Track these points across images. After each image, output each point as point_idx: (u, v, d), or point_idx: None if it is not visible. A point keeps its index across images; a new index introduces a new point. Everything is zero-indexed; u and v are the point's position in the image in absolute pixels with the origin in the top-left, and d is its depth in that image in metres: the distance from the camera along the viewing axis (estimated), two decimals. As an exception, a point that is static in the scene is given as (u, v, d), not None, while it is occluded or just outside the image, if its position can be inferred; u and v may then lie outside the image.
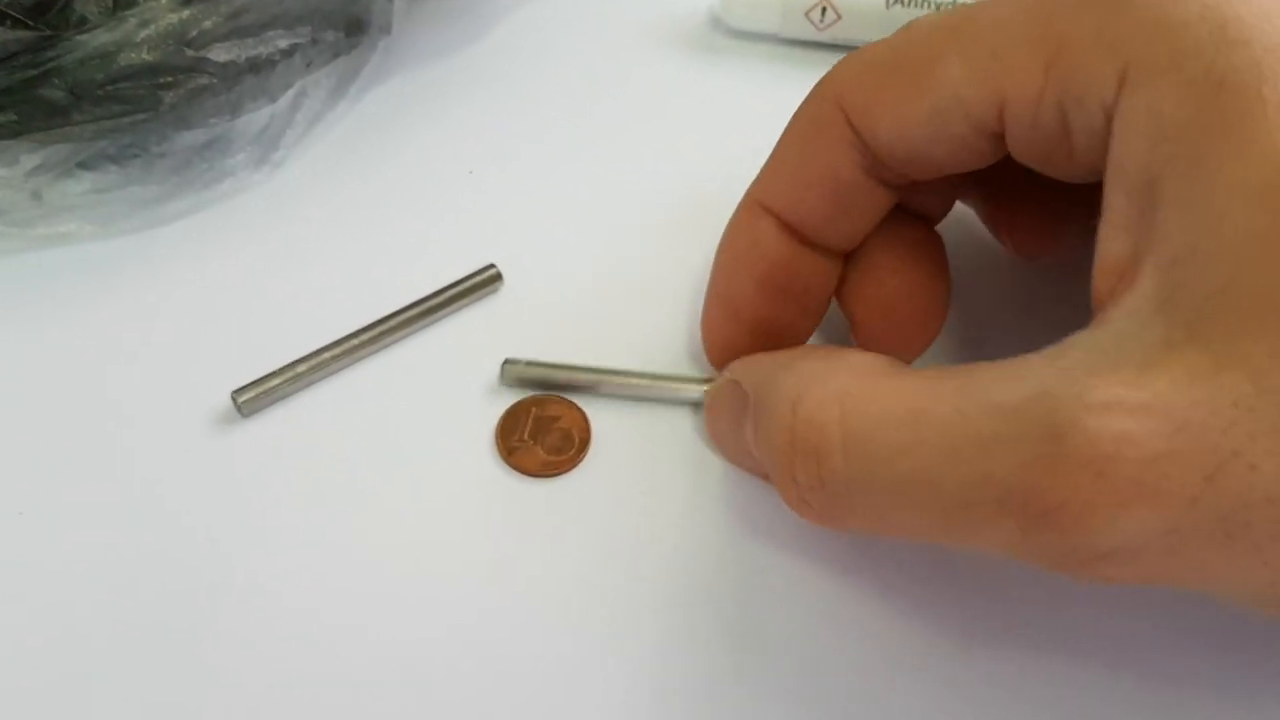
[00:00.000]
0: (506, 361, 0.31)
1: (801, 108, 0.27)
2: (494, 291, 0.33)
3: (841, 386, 0.23)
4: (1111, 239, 0.22)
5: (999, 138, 0.24)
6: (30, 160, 0.31)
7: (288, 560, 0.28)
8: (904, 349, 0.29)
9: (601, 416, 0.30)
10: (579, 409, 0.31)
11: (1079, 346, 0.21)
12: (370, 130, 0.37)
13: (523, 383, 0.31)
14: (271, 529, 0.28)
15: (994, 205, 0.30)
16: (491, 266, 0.33)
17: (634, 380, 0.31)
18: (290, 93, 0.34)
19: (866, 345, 0.29)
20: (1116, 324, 0.20)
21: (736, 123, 0.37)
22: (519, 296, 0.33)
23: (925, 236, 0.29)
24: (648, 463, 0.30)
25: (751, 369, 0.27)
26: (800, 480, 0.23)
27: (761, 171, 0.29)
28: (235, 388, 0.30)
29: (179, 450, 0.30)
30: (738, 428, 0.27)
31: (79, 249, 0.33)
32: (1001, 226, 0.30)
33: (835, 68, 0.26)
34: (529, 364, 0.31)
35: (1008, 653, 0.26)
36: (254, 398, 0.30)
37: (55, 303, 0.32)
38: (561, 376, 0.31)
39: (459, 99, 0.38)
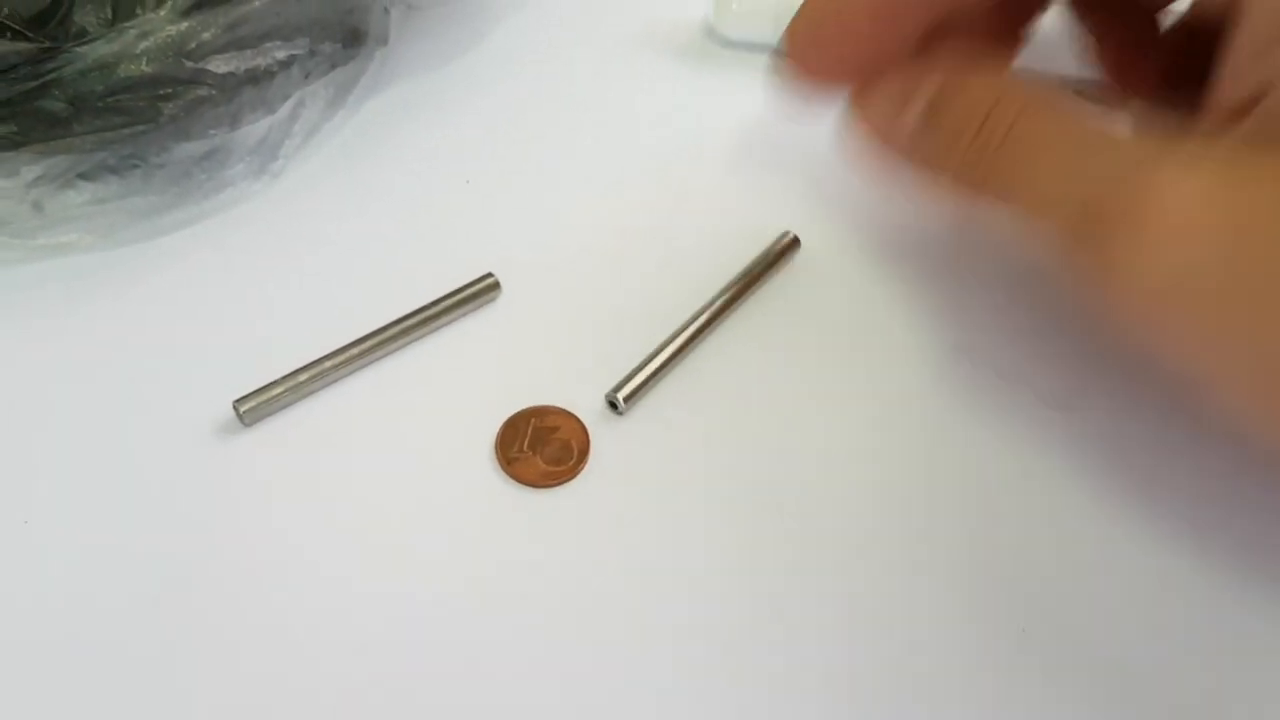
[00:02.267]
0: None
1: None
2: (492, 300, 0.33)
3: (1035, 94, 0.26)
4: (1231, 79, 0.24)
5: None
6: (31, 171, 0.30)
7: (290, 569, 0.27)
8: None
9: (600, 427, 0.30)
10: (578, 420, 0.30)
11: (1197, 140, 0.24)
12: (368, 140, 0.36)
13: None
14: (273, 538, 0.28)
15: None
16: (489, 275, 0.32)
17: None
18: (289, 103, 0.34)
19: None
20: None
21: (731, 131, 0.37)
22: (517, 305, 0.33)
23: None
24: (647, 473, 0.29)
25: (931, 73, 0.28)
26: (966, 140, 0.26)
27: None
28: (237, 397, 0.29)
29: (182, 459, 0.29)
30: (901, 104, 0.28)
31: (80, 259, 0.33)
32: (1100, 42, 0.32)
33: None
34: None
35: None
36: (255, 407, 0.29)
37: (57, 313, 0.32)
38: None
39: (455, 108, 0.37)
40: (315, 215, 0.34)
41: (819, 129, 0.35)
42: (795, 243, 0.33)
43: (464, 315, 0.32)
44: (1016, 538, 0.28)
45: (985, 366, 0.31)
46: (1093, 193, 0.23)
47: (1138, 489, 0.29)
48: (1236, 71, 0.24)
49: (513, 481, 0.29)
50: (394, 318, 0.31)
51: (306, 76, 0.33)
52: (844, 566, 0.27)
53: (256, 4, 0.31)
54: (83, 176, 0.32)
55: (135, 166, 0.32)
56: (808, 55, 0.30)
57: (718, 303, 0.32)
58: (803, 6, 0.29)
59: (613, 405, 0.30)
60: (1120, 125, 0.25)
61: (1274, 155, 0.21)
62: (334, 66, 0.34)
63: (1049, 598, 0.27)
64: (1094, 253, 0.23)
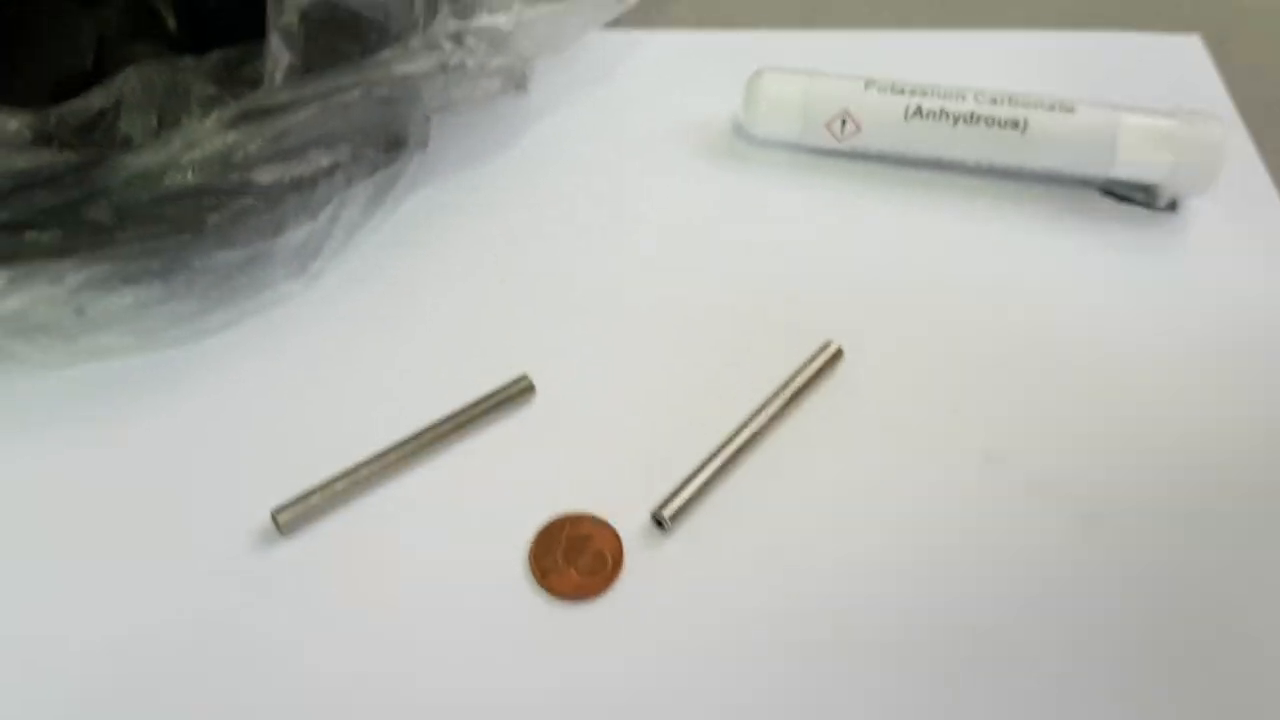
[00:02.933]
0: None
1: None
2: (527, 403, 0.33)
3: None
4: None
5: None
6: (75, 278, 0.31)
7: (326, 680, 0.27)
8: None
9: (634, 536, 0.30)
10: (611, 528, 0.30)
11: None
12: (405, 240, 0.36)
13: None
14: (309, 648, 0.28)
15: None
16: (524, 378, 0.33)
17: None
18: (329, 207, 0.34)
19: None
20: None
21: (761, 228, 0.37)
22: (552, 407, 0.33)
23: None
24: (682, 586, 0.29)
25: None
26: None
27: None
28: (275, 506, 0.29)
29: (221, 569, 0.29)
30: None
31: (122, 362, 0.33)
32: None
33: None
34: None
35: None
36: (294, 518, 0.29)
37: (97, 417, 0.32)
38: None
39: (489, 209, 0.38)
40: (353, 316, 0.34)
41: (854, 228, 0.36)
42: (839, 354, 0.34)
43: (498, 419, 0.32)
44: (1060, 653, 0.28)
45: (1025, 479, 0.31)
46: None
47: (1160, 606, 0.29)
48: None
49: (546, 593, 0.29)
50: (429, 422, 0.31)
51: (349, 181, 0.34)
52: (886, 688, 0.27)
53: (302, 115, 0.31)
54: (125, 280, 0.32)
55: (177, 271, 0.32)
56: None
57: (760, 418, 0.32)
58: None
59: (659, 523, 0.30)
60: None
61: None
62: (375, 170, 0.34)
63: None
64: None
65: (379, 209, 0.36)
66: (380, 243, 0.36)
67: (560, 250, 0.37)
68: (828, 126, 0.38)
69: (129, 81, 0.31)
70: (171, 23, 0.37)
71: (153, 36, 0.35)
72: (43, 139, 0.30)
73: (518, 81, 0.36)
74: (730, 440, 0.32)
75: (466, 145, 0.39)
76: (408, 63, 0.32)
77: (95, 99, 0.31)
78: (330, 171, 0.33)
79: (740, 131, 0.40)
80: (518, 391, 0.33)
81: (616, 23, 0.42)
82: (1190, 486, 0.31)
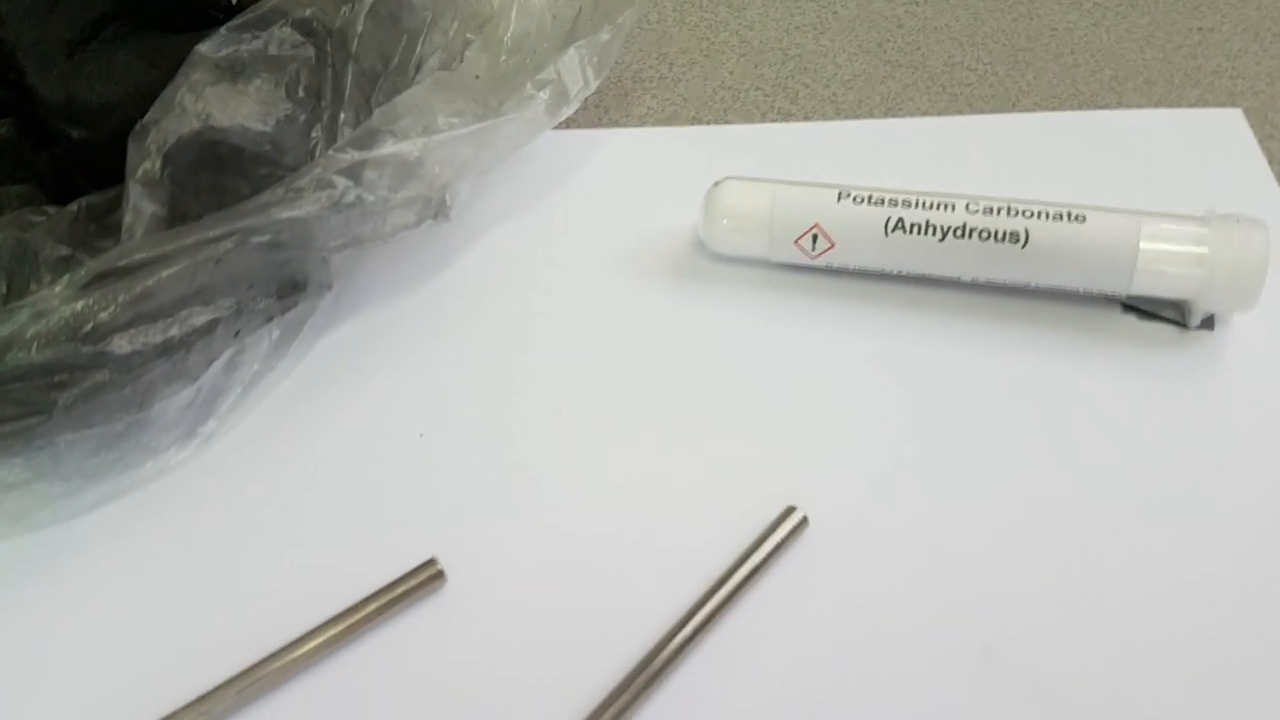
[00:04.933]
0: None
1: None
2: (437, 590, 0.28)
3: None
4: None
5: None
6: (-79, 463, 0.27)
7: None
8: None
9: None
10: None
11: None
12: (315, 388, 0.32)
13: None
14: None
15: None
16: (433, 562, 0.28)
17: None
18: (220, 362, 0.30)
19: None
20: None
21: (721, 363, 0.32)
22: (464, 593, 0.28)
23: None
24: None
25: None
26: None
27: None
28: (137, 729, 0.25)
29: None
30: None
31: (-14, 548, 0.29)
32: None
33: None
34: None
35: None
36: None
37: (-46, 614, 0.28)
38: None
39: (412, 347, 0.33)
40: (248, 485, 0.30)
41: (830, 356, 0.31)
42: (803, 523, 0.29)
43: (406, 608, 0.28)
44: None
45: (1011, 676, 0.26)
46: None
47: None
48: None
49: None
50: (328, 614, 0.27)
51: (236, 334, 0.30)
52: None
53: (165, 274, 0.27)
54: (-14, 459, 0.29)
55: (42, 448, 0.29)
56: None
57: (709, 604, 0.27)
58: None
59: None
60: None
61: None
62: (269, 319, 0.30)
63: None
64: None
65: (284, 355, 0.32)
66: (285, 394, 0.32)
67: (488, 395, 0.32)
68: (797, 243, 0.33)
69: (-27, 244, 0.28)
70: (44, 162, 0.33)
71: (24, 179, 0.31)
72: None
73: (437, 209, 0.32)
74: (674, 633, 0.27)
75: (386, 279, 0.35)
76: (293, 206, 0.28)
77: (-64, 264, 0.28)
78: (208, 330, 0.29)
79: (701, 248, 0.36)
80: (427, 579, 0.28)
81: (571, 121, 0.38)
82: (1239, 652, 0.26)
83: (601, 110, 0.40)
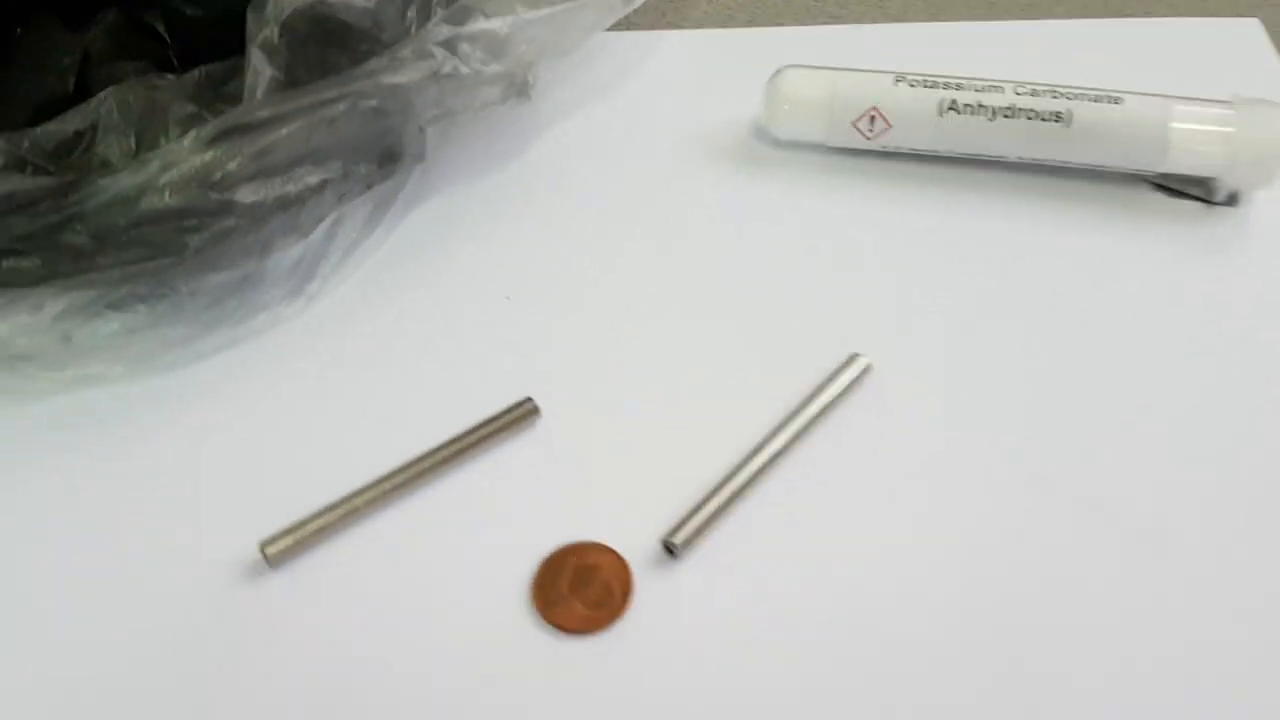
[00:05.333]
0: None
1: None
2: (530, 426, 0.31)
3: None
4: None
5: None
6: (55, 305, 0.29)
7: (315, 716, 0.25)
8: None
9: (644, 564, 0.28)
10: (619, 557, 0.28)
11: None
12: (406, 257, 0.35)
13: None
14: (297, 687, 0.26)
15: None
16: (529, 400, 0.31)
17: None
18: (323, 225, 0.32)
19: None
20: None
21: (785, 236, 0.35)
22: (557, 430, 0.31)
23: None
24: (693, 618, 0.27)
25: None
26: None
27: None
28: (264, 538, 0.28)
29: (205, 602, 0.27)
30: None
31: (110, 390, 0.31)
32: None
33: None
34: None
35: None
36: (282, 550, 0.28)
37: (84, 446, 0.30)
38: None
39: (496, 221, 0.36)
40: (351, 339, 0.33)
41: (885, 232, 0.33)
42: (867, 369, 0.31)
43: (502, 442, 0.30)
44: (1096, 680, 0.25)
45: (1062, 495, 0.29)
46: None
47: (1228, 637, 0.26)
48: None
49: (550, 627, 0.27)
50: (429, 447, 0.30)
51: (340, 199, 0.32)
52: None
53: (285, 131, 0.30)
54: (112, 307, 0.31)
55: (165, 296, 0.31)
56: None
57: (781, 437, 0.30)
58: None
59: (669, 550, 0.28)
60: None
61: None
62: (369, 187, 0.33)
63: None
64: None
65: (377, 226, 0.35)
66: (380, 261, 0.35)
67: (569, 264, 0.35)
68: (855, 125, 0.36)
69: (106, 103, 0.30)
70: (163, 40, 0.36)
71: (140, 56, 0.34)
72: (16, 164, 0.29)
73: (520, 89, 0.34)
74: (748, 461, 0.29)
75: (471, 157, 0.37)
76: (397, 73, 0.31)
77: (71, 122, 0.30)
78: (319, 189, 0.31)
79: (762, 134, 0.38)
80: (522, 414, 0.31)
81: (633, 24, 0.40)
82: (1258, 500, 0.29)
83: (659, 14, 0.42)
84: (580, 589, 0.28)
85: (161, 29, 0.35)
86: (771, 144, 0.38)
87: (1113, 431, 0.30)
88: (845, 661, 0.26)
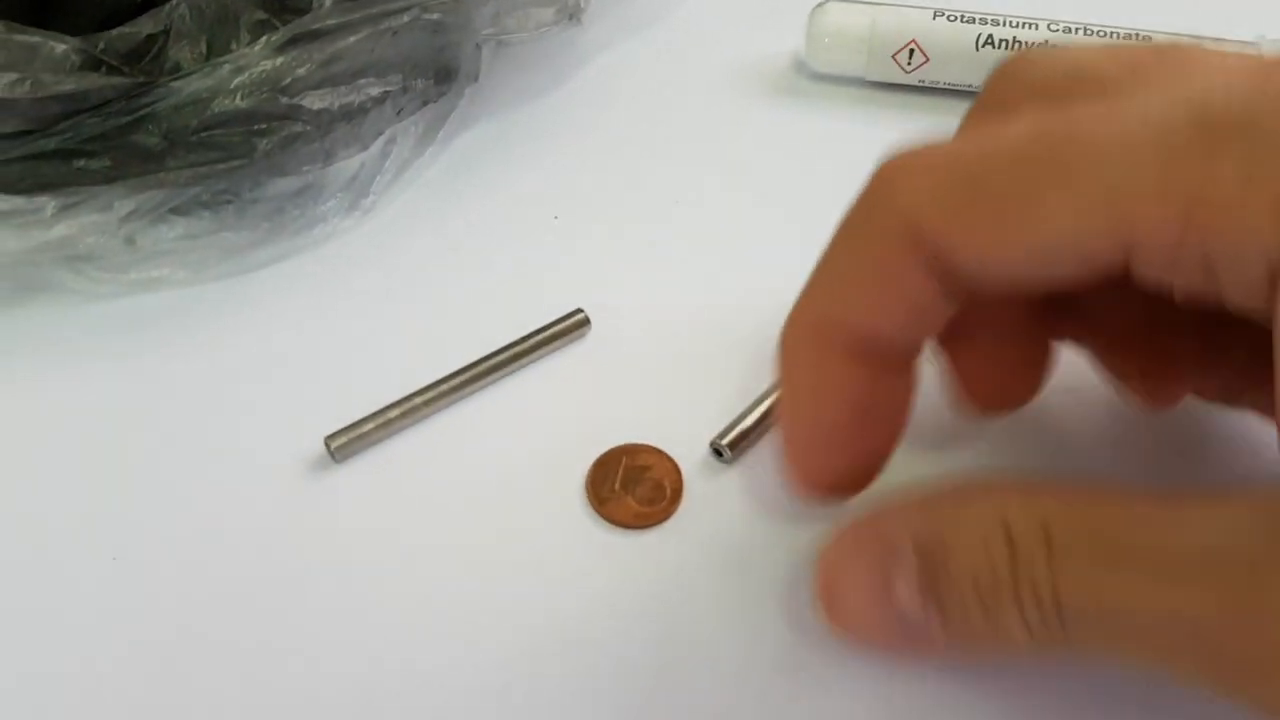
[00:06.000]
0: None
1: (860, 219, 0.23)
2: (582, 336, 0.32)
3: (1050, 510, 0.21)
4: None
5: (1123, 270, 0.20)
6: (124, 206, 0.30)
7: (378, 606, 0.26)
8: (1002, 406, 0.27)
9: (694, 467, 0.29)
10: (670, 459, 0.29)
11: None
12: (457, 176, 0.36)
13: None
14: (362, 574, 0.27)
15: (1115, 351, 0.27)
16: (579, 311, 0.32)
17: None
18: (380, 140, 0.33)
19: (966, 400, 0.27)
20: None
21: (823, 166, 0.36)
22: (607, 341, 0.32)
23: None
24: (741, 513, 0.28)
25: (899, 517, 0.23)
26: (1028, 609, 0.20)
27: (814, 289, 0.24)
28: (328, 433, 0.29)
29: (273, 495, 0.28)
30: (883, 586, 0.23)
31: (172, 294, 0.32)
32: (1126, 373, 0.27)
33: (898, 176, 0.22)
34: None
35: None
36: (347, 443, 0.29)
37: (148, 347, 0.31)
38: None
39: (543, 144, 0.37)
40: (406, 251, 0.34)
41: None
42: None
43: (553, 352, 0.31)
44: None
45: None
46: (1196, 624, 0.19)
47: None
48: None
49: (604, 522, 0.28)
50: (483, 354, 0.31)
51: (399, 113, 0.33)
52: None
53: (351, 40, 0.30)
54: (175, 211, 0.32)
55: (228, 202, 0.32)
56: (808, 489, 0.26)
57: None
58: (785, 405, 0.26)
59: (718, 453, 0.29)
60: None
61: None
62: (425, 103, 0.34)
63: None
64: (1235, 690, 0.19)
65: (430, 145, 0.35)
66: (432, 179, 0.35)
67: (615, 188, 0.36)
68: (894, 58, 0.37)
69: (179, 8, 0.31)
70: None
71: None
72: (91, 63, 0.29)
73: (571, 11, 0.35)
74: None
75: (519, 81, 0.38)
76: (459, -14, 0.32)
77: (144, 25, 0.31)
78: (381, 100, 0.32)
79: (802, 68, 0.39)
80: (573, 325, 0.32)
81: (674, -42, 0.41)
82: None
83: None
84: (632, 487, 0.29)
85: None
86: (811, 77, 0.39)
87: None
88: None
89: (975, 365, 0.26)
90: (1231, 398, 0.26)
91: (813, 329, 0.24)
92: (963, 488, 0.23)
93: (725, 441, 0.29)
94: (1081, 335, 0.27)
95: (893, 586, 0.22)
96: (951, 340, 0.26)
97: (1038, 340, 0.26)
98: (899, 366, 0.24)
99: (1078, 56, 0.22)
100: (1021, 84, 0.23)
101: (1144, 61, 0.21)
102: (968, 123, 0.25)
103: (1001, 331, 0.25)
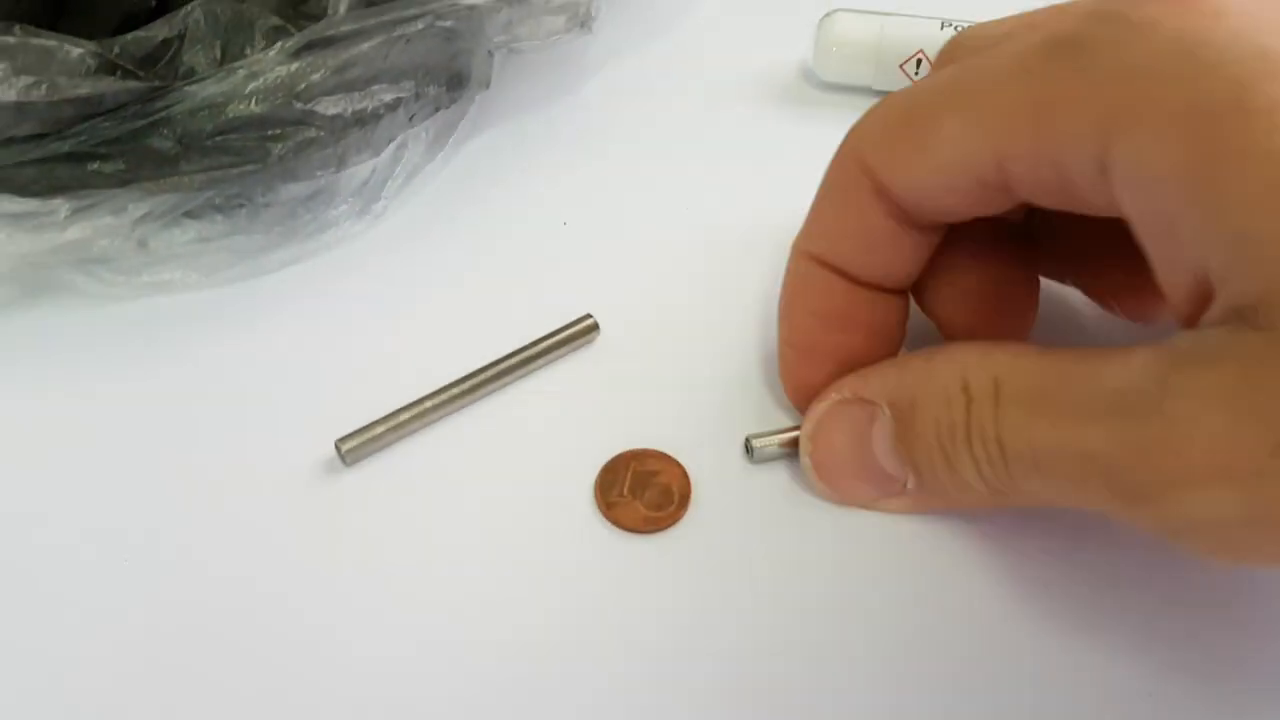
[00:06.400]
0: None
1: (832, 161, 0.27)
2: (591, 342, 0.32)
3: (1000, 365, 0.24)
4: (1163, 275, 0.22)
5: (1007, 188, 0.24)
6: (138, 209, 0.30)
7: (387, 608, 0.26)
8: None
9: (702, 471, 0.29)
10: (678, 464, 0.29)
11: (1176, 345, 0.21)
12: (467, 182, 0.36)
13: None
14: (371, 576, 0.27)
15: (1090, 274, 0.29)
16: (588, 316, 0.32)
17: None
18: (392, 145, 0.33)
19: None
20: (1201, 334, 0.21)
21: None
22: (616, 346, 0.32)
23: (1000, 233, 0.28)
24: (749, 520, 0.28)
25: (876, 380, 0.27)
26: (978, 454, 0.24)
27: (805, 223, 0.28)
28: (339, 436, 0.29)
29: (283, 497, 0.28)
30: (863, 443, 0.27)
31: (183, 297, 0.32)
32: (1102, 294, 0.30)
33: (858, 122, 0.26)
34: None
35: None
36: (357, 446, 0.29)
37: (159, 350, 0.31)
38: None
39: (552, 151, 0.37)
40: (416, 256, 0.34)
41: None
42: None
43: (563, 356, 0.32)
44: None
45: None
46: (1107, 461, 0.21)
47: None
48: (1162, 271, 0.22)
49: (612, 526, 0.28)
50: (493, 358, 0.31)
51: (411, 119, 0.33)
52: (976, 614, 0.26)
53: (365, 47, 0.31)
54: (188, 215, 0.32)
55: (241, 206, 0.32)
56: (799, 399, 0.29)
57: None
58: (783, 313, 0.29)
59: (749, 450, 0.29)
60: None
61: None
62: (437, 109, 0.34)
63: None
64: (1139, 515, 0.22)
65: (441, 150, 0.36)
66: (442, 184, 0.36)
67: (624, 194, 0.36)
68: (901, 67, 0.37)
69: (193, 14, 0.31)
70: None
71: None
72: (107, 67, 0.30)
73: (582, 20, 0.35)
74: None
75: (529, 89, 0.38)
76: (472, -6, 0.32)
77: (159, 29, 0.31)
78: (393, 107, 0.32)
79: (809, 77, 0.39)
80: (582, 330, 0.32)
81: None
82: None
83: (711, -40, 0.43)
84: (640, 492, 0.29)
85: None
86: (819, 86, 0.39)
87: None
88: (890, 556, 0.27)
89: (966, 302, 0.28)
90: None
91: (799, 253, 0.28)
92: (934, 352, 0.26)
93: (760, 444, 0.29)
94: (1057, 267, 0.30)
95: (871, 443, 0.26)
96: (943, 281, 0.28)
97: (1021, 274, 0.29)
98: (881, 288, 0.27)
99: (1007, 22, 0.26)
100: (963, 47, 0.27)
101: (1046, 20, 0.24)
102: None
103: (986, 269, 0.28)
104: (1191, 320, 0.21)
